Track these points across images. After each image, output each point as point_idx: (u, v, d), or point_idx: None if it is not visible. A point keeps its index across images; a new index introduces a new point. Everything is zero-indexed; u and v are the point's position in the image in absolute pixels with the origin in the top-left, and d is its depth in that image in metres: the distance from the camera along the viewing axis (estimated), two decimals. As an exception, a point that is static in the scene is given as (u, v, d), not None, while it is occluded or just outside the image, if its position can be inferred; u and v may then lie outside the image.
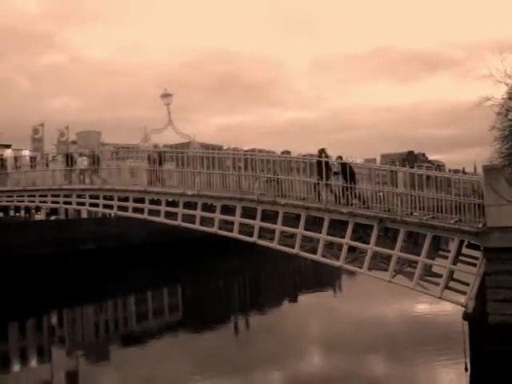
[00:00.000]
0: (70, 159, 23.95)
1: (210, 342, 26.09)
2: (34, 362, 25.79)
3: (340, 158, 17.48)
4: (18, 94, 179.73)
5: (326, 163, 16.55)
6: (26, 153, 36.13)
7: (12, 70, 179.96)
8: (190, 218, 18.83)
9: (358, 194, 16.02)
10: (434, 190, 15.41)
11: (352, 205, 15.37)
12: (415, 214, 15.14)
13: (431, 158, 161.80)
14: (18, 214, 65.45)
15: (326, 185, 16.20)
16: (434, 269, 16.38)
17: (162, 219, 19.70)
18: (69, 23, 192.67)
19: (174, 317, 36.02)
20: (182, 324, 32.31)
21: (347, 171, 16.35)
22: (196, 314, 34.32)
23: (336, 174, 16.50)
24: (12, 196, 27.61)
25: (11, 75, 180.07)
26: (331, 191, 16.15)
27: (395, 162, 19.98)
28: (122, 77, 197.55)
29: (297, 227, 16.28)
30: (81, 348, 28.27)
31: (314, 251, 16.32)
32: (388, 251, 15.17)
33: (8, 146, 59.21)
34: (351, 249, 15.90)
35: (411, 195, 15.04)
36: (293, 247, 16.58)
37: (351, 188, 15.92)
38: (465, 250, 16.61)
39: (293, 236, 16.79)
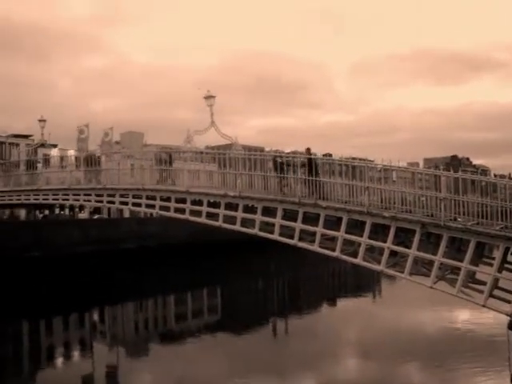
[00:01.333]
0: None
1: (247, 343, 26.18)
2: (76, 355, 26.36)
3: (308, 151, 18.66)
4: (62, 95, 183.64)
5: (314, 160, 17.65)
6: (71, 152, 36.84)
7: (57, 71, 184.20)
8: (231, 219, 18.89)
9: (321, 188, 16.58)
10: (478, 196, 15.11)
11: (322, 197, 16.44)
12: (459, 219, 14.88)
13: (475, 162, 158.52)
14: (62, 213, 66.86)
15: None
16: (478, 276, 16.04)
17: (203, 220, 19.82)
18: (111, 26, 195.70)
19: (213, 317, 36.22)
20: (220, 325, 32.48)
21: (313, 165, 17.32)
22: (235, 315, 34.46)
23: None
24: (57, 194, 28.22)
25: (56, 77, 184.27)
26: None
27: (439, 166, 19.68)
28: (162, 79, 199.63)
29: (338, 230, 16.17)
30: (121, 344, 28.78)
31: (355, 255, 16.15)
32: (430, 256, 14.91)
33: (54, 146, 60.56)
34: (392, 253, 15.68)
35: (455, 200, 14.79)
36: (333, 250, 16.45)
37: (315, 181, 16.89)
38: (510, 258, 16.25)
39: (333, 239, 16.67)
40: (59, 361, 25.57)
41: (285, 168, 18.21)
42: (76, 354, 26.68)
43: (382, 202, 15.71)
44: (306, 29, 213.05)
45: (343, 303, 38.86)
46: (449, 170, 15.49)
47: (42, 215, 64.42)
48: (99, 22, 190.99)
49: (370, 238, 15.58)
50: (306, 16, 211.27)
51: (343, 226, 15.98)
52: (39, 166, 32.86)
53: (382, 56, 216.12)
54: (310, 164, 17.62)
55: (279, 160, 18.15)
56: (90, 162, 26.63)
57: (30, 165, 32.46)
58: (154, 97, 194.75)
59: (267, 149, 50.87)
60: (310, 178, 16.99)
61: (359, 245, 15.88)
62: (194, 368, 21.75)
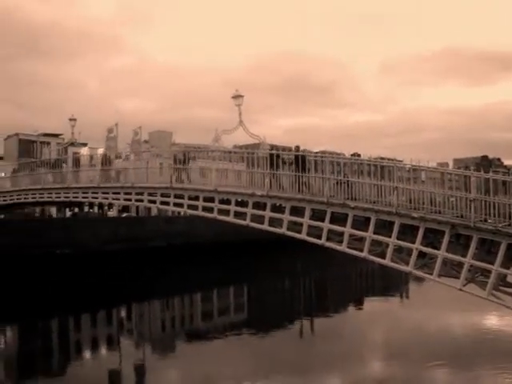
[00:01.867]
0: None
1: (273, 343, 26.17)
2: (104, 352, 26.71)
3: (297, 148, 19.70)
4: (89, 95, 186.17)
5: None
6: (101, 151, 37.32)
7: (83, 71, 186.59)
8: (259, 219, 18.90)
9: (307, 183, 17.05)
10: (510, 197, 14.86)
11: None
12: (489, 220, 14.67)
13: (507, 162, 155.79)
14: (91, 211, 67.69)
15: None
16: (509, 279, 15.80)
17: (231, 219, 19.89)
18: (136, 27, 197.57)
19: (239, 316, 36.30)
20: (246, 324, 32.53)
21: (299, 161, 18.09)
22: (261, 315, 34.49)
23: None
24: (87, 192, 28.60)
25: (82, 77, 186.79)
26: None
27: (469, 167, 19.44)
28: (189, 78, 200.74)
29: (366, 230, 16.07)
30: (148, 341, 29.06)
31: (383, 255, 16.03)
32: (459, 258, 14.72)
33: (84, 145, 61.36)
34: (421, 254, 15.51)
35: (485, 201, 14.58)
36: (361, 250, 16.35)
37: (302, 177, 17.77)
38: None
39: (361, 239, 16.58)
40: (87, 356, 25.95)
41: (280, 164, 18.90)
42: (104, 350, 27.05)
43: (410, 202, 15.58)
44: (333, 29, 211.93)
45: (370, 304, 38.59)
46: (479, 171, 15.27)
47: (71, 213, 65.33)
48: (125, 23, 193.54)
49: (398, 238, 15.46)
50: (334, 16, 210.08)
51: (371, 227, 15.88)
52: (69, 164, 33.25)
53: (411, 55, 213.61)
54: (298, 161, 18.28)
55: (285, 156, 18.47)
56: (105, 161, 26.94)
57: (60, 163, 32.93)
58: (181, 97, 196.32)
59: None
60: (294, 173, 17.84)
61: (387, 245, 15.76)
62: (219, 367, 21.84)
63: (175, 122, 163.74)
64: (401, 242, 15.52)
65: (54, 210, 63.53)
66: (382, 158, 18.68)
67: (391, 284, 45.23)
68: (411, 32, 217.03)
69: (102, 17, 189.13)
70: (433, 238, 15.38)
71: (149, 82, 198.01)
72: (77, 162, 31.88)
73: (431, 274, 15.02)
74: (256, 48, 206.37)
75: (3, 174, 38.12)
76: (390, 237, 15.52)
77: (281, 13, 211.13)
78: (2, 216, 48.47)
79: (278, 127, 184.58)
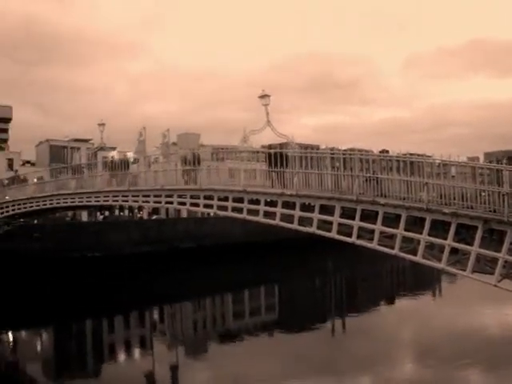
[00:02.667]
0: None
1: (304, 342, 26.17)
2: (137, 353, 27.05)
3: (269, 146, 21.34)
4: (115, 99, 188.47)
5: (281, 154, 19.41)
6: (130, 155, 37.80)
7: (107, 76, 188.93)
8: (289, 218, 18.89)
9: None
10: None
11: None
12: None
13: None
14: (122, 214, 68.40)
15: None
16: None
17: (260, 219, 19.89)
18: (158, 32, 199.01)
19: (270, 316, 36.38)
20: (277, 323, 32.60)
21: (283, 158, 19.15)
22: (292, 314, 34.50)
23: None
24: (117, 196, 28.92)
25: (107, 82, 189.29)
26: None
27: (501, 161, 19.11)
28: (212, 81, 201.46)
29: (397, 227, 15.94)
30: (180, 342, 29.30)
31: (414, 252, 15.86)
32: (493, 254, 14.50)
33: (113, 149, 62.06)
34: (453, 250, 15.30)
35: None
36: (392, 248, 16.21)
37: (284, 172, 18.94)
38: None
39: (392, 236, 16.45)
40: (122, 356, 26.36)
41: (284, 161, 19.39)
42: (135, 350, 27.40)
43: (441, 198, 15.41)
44: (356, 26, 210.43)
45: (402, 302, 38.31)
46: (511, 164, 15.04)
47: (102, 216, 66.12)
48: (146, 28, 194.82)
49: (429, 234, 15.28)
50: (356, 14, 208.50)
51: (402, 223, 15.75)
52: (98, 168, 33.69)
53: (435, 49, 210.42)
54: (270, 158, 19.61)
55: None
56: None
57: (91, 168, 33.40)
58: (205, 99, 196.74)
59: (323, 147, 50.69)
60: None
61: (418, 242, 15.59)
62: (251, 367, 21.95)
63: (200, 124, 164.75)
64: (432, 239, 15.34)
65: (85, 214, 64.37)
66: (412, 154, 18.46)
67: (423, 281, 44.80)
68: (435, 26, 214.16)
69: (124, 23, 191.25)
70: (465, 233, 15.17)
71: (172, 85, 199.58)
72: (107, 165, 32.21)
73: (464, 271, 14.81)
74: (279, 49, 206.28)
75: (35, 180, 38.74)
76: (422, 233, 15.35)
77: (302, 13, 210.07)
78: (35, 221, 49.26)
79: (304, 126, 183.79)
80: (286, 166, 19.35)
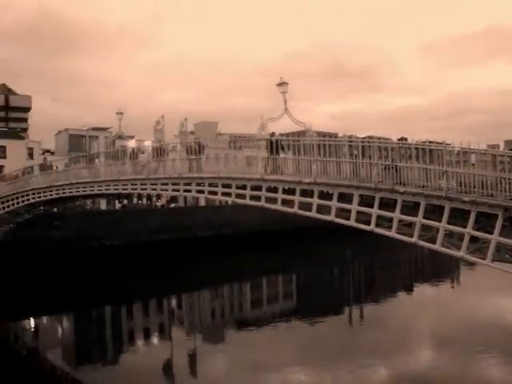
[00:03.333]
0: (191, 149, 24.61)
1: (321, 331, 26.24)
2: (156, 340, 27.34)
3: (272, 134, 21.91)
4: (131, 89, 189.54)
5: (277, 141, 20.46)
6: (148, 143, 37.95)
7: (123, 66, 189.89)
8: (307, 206, 18.85)
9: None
10: None
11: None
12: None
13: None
14: (140, 202, 68.77)
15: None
16: None
17: (278, 207, 19.88)
18: (172, 22, 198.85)
19: (288, 304, 36.47)
20: (295, 312, 32.68)
21: (273, 145, 20.21)
22: (310, 303, 34.54)
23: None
24: (136, 184, 29.08)
25: (123, 71, 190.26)
26: None
27: (521, 148, 18.90)
28: (227, 69, 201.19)
29: (415, 215, 15.85)
30: (198, 329, 29.54)
31: (433, 241, 15.76)
32: (513, 242, 14.40)
33: (131, 138, 62.34)
34: (473, 239, 15.19)
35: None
36: (411, 236, 16.12)
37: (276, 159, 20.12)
38: None
39: (411, 224, 16.37)
40: (140, 343, 26.69)
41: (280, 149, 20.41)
42: (155, 338, 27.66)
43: (460, 185, 15.28)
44: (371, 13, 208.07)
45: (420, 290, 38.19)
46: (532, 152, 14.87)
47: (120, 205, 66.54)
48: (162, 19, 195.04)
49: (448, 223, 15.18)
50: (371, 1, 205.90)
51: (421, 211, 15.66)
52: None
53: (452, 35, 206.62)
54: (272, 144, 20.32)
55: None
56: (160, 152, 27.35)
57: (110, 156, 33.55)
58: (220, 87, 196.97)
59: (340, 134, 50.54)
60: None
61: (437, 230, 15.50)
62: (268, 354, 22.05)
63: (216, 113, 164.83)
64: (452, 227, 15.23)
65: (103, 203, 64.83)
66: (431, 142, 18.30)
67: (442, 269, 44.59)
68: (451, 12, 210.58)
69: (141, 13, 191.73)
70: (485, 221, 15.04)
71: (187, 75, 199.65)
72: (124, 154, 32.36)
73: (484, 259, 14.70)
74: (295, 37, 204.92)
75: (55, 168, 39.07)
76: (441, 221, 15.26)
77: (317, 1, 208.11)
78: (55, 209, 49.73)
79: (321, 114, 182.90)
80: (277, 153, 20.53)
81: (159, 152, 27.16)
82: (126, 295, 36.91)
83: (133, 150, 31.17)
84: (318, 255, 56.02)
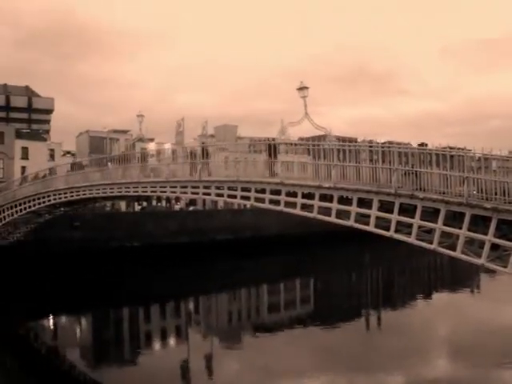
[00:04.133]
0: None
1: (338, 337, 26.12)
2: (172, 342, 27.45)
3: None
4: (151, 91, 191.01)
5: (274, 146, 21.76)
6: (168, 146, 38.21)
7: (143, 69, 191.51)
8: (326, 211, 18.83)
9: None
10: None
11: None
12: None
13: None
14: (159, 204, 69.13)
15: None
16: None
17: (297, 211, 19.86)
18: (189, 25, 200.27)
19: (305, 309, 36.34)
20: (312, 317, 32.55)
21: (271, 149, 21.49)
22: (327, 308, 34.44)
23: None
24: (155, 187, 29.23)
25: (143, 74, 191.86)
26: None
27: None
28: (247, 73, 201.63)
29: (435, 222, 15.74)
30: (215, 332, 29.59)
31: (453, 248, 15.62)
32: (536, 250, 14.22)
33: (151, 140, 62.73)
34: (494, 246, 15.04)
35: None
36: (430, 243, 15.99)
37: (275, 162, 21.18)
38: None
39: (430, 231, 16.25)
40: (157, 345, 26.84)
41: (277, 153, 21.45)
42: (172, 341, 27.80)
43: (481, 192, 15.14)
44: (392, 16, 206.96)
45: (439, 297, 37.82)
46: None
47: (140, 207, 66.94)
48: (181, 21, 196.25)
49: (469, 230, 15.04)
50: (391, 5, 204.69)
51: (441, 218, 15.54)
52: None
53: (475, 39, 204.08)
54: (270, 149, 21.55)
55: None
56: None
57: (128, 159, 33.77)
58: (240, 91, 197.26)
59: (359, 139, 50.35)
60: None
61: (457, 237, 15.37)
62: (284, 359, 22.00)
63: (234, 116, 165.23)
64: (472, 234, 15.09)
65: (123, 204, 65.30)
66: (451, 148, 18.18)
67: (461, 277, 44.15)
68: (473, 15, 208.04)
69: (159, 16, 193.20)
70: (506, 229, 14.89)
71: (206, 77, 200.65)
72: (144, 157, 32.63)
73: (505, 267, 14.54)
74: (314, 41, 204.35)
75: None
76: (461, 228, 15.13)
77: (337, 4, 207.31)
78: (75, 211, 50.16)
79: (339, 118, 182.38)
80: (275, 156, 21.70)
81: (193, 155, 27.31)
82: (144, 296, 37.13)
83: (141, 155, 31.56)
84: (337, 260, 55.86)
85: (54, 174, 38.81)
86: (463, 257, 15.40)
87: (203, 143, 25.33)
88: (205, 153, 25.78)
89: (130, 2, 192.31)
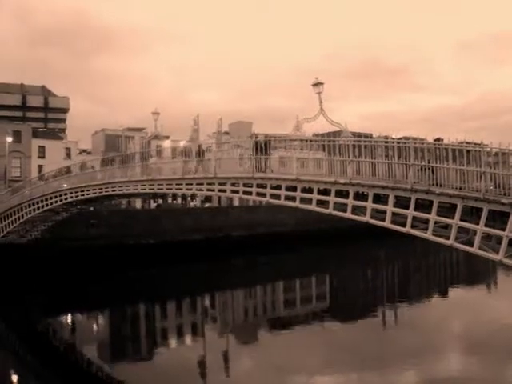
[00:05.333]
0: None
1: (353, 333, 26.07)
2: (189, 338, 27.61)
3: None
4: (164, 88, 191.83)
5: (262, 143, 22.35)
6: (183, 143, 38.25)
7: (155, 66, 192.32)
8: (342, 207, 18.80)
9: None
10: None
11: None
12: None
13: None
14: (174, 202, 69.43)
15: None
16: None
17: (313, 207, 19.84)
18: (203, 22, 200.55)
19: (321, 305, 36.31)
20: (328, 313, 32.59)
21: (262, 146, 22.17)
22: (343, 304, 34.43)
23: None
24: (171, 184, 29.35)
25: (156, 71, 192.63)
26: None
27: None
28: (261, 69, 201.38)
29: (452, 217, 15.65)
30: (231, 328, 29.70)
31: (470, 243, 15.51)
32: (555, 246, 14.10)
33: (167, 138, 62.88)
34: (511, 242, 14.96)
35: None
36: (447, 238, 15.90)
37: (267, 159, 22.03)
38: None
39: (447, 226, 16.16)
40: (173, 340, 27.05)
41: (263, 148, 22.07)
42: (188, 337, 27.95)
43: (498, 187, 15.02)
44: (406, 11, 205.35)
45: (456, 294, 37.60)
46: None
47: (155, 204, 67.30)
48: (195, 19, 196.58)
49: (486, 225, 14.93)
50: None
51: (458, 213, 15.44)
52: (153, 157, 34.26)
53: (490, 33, 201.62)
54: (257, 145, 22.40)
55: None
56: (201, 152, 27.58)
57: (145, 156, 33.94)
58: (253, 87, 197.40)
59: (375, 135, 50.12)
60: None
61: (475, 233, 15.28)
62: (295, 355, 22.05)
63: (247, 113, 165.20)
64: (489, 229, 14.98)
65: (139, 202, 65.70)
66: (468, 143, 18.06)
67: (478, 273, 43.84)
68: (488, 9, 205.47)
69: (173, 13, 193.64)
70: (525, 224, 14.75)
71: (221, 74, 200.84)
72: (160, 154, 32.81)
73: (524, 263, 14.44)
74: (328, 36, 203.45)
75: (92, 168, 39.74)
76: (478, 224, 15.03)
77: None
78: (92, 208, 50.59)
79: (354, 114, 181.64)
80: (266, 152, 22.34)
81: (200, 152, 27.41)
82: (160, 293, 37.38)
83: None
84: (352, 256, 55.73)
85: (86, 170, 39.11)
86: (480, 252, 15.30)
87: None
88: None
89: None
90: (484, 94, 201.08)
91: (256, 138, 24.28)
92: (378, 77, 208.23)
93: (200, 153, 26.65)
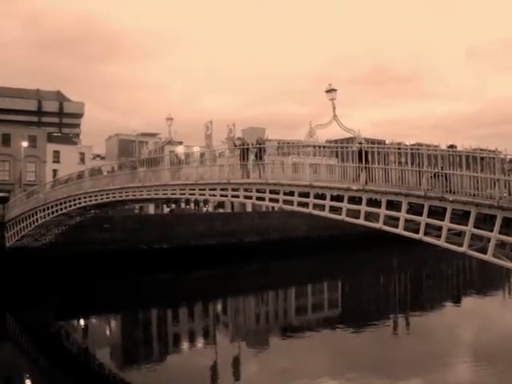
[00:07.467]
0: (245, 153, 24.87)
1: (365, 340, 25.93)
2: (200, 343, 27.65)
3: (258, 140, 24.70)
4: (176, 94, 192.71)
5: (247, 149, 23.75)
6: (196, 149, 38.38)
7: (166, 71, 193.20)
8: (355, 213, 18.78)
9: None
10: None
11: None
12: None
13: None
14: (187, 207, 69.63)
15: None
16: None
17: (326, 214, 19.81)
18: (216, 28, 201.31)
19: (333, 312, 36.24)
20: (339, 320, 32.46)
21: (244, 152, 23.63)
22: (355, 311, 34.30)
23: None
24: (184, 189, 29.45)
25: (167, 77, 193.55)
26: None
27: None
28: (273, 75, 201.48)
29: (465, 224, 15.59)
30: (243, 334, 29.74)
31: (484, 251, 15.43)
32: None
33: (180, 143, 63.14)
34: (527, 250, 14.88)
35: None
36: (460, 245, 15.85)
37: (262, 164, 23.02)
38: None
39: (460, 234, 16.10)
40: (185, 345, 27.14)
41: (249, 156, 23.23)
42: (200, 342, 27.98)
43: (510, 194, 14.94)
44: (417, 17, 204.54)
45: (468, 302, 37.35)
46: None
47: (168, 209, 67.53)
48: (205, 25, 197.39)
49: (500, 232, 14.86)
50: (416, 5, 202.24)
51: (471, 220, 15.38)
52: (166, 162, 34.35)
53: (502, 39, 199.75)
54: (243, 152, 23.51)
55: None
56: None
57: (159, 161, 34.09)
58: (264, 94, 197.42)
59: (387, 141, 50.03)
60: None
61: (488, 240, 15.20)
62: (310, 362, 22.01)
63: (258, 118, 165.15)
64: (504, 237, 14.90)
65: (152, 207, 65.99)
66: (482, 150, 18.00)
67: (492, 280, 43.53)
68: (499, 15, 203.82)
69: (186, 19, 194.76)
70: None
71: (234, 80, 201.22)
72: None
73: (538, 271, 14.35)
74: (339, 43, 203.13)
75: (105, 173, 40.04)
76: (492, 231, 14.96)
77: (362, 5, 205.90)
78: (109, 212, 50.84)
79: (364, 120, 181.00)
80: (261, 158, 23.24)
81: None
82: (171, 298, 37.51)
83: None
84: (365, 263, 55.56)
85: (99, 175, 39.36)
86: (494, 260, 15.23)
87: (235, 146, 25.55)
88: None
89: (156, 4, 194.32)
90: (495, 101, 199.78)
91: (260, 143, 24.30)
92: (388, 83, 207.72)
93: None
